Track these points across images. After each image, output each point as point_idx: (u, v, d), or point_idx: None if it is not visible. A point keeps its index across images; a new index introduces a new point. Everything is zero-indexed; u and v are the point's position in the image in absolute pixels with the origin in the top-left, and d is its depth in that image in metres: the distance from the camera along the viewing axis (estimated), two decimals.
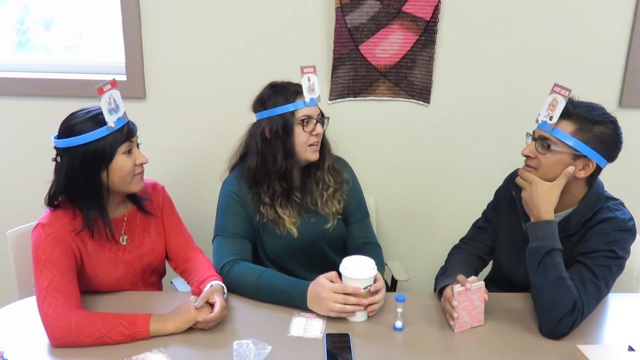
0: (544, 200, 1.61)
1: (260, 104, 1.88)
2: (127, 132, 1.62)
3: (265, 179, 1.87)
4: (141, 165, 1.67)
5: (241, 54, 2.32)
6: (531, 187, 1.64)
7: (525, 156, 1.69)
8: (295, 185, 1.93)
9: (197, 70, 2.34)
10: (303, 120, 1.83)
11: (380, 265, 1.93)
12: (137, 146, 1.68)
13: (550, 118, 1.62)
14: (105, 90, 1.56)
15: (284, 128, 1.82)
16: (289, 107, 1.82)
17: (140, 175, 1.68)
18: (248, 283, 1.72)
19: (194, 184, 2.46)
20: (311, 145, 1.86)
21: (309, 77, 1.83)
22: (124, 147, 1.61)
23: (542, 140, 1.64)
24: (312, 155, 1.87)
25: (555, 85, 1.63)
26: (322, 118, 1.89)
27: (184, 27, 2.28)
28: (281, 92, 1.85)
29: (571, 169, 1.60)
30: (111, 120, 1.57)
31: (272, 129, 1.83)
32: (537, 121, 1.67)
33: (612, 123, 1.62)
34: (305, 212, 1.93)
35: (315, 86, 1.86)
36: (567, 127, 1.60)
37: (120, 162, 1.61)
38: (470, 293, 1.58)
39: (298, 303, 1.66)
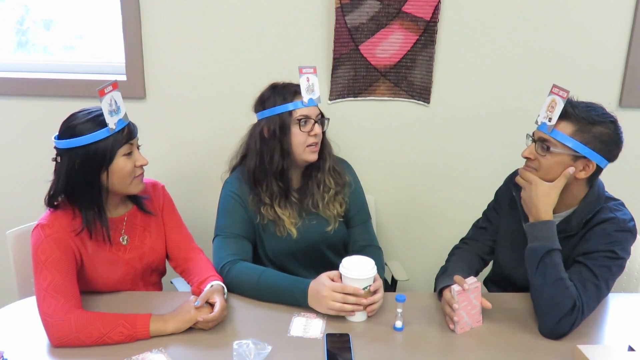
0: (543, 201, 1.61)
1: (260, 103, 1.89)
2: (127, 134, 1.62)
3: (264, 178, 1.87)
4: (141, 167, 1.67)
5: (241, 54, 2.32)
6: (531, 187, 1.64)
7: (525, 158, 1.69)
8: (295, 187, 1.93)
9: (197, 70, 2.34)
10: (300, 120, 1.83)
11: (381, 268, 1.93)
12: (138, 148, 1.68)
13: (549, 119, 1.61)
14: (106, 92, 1.56)
15: (281, 127, 1.83)
16: (287, 107, 1.82)
17: (140, 177, 1.68)
18: (248, 282, 1.72)
19: (194, 183, 2.46)
20: (309, 145, 1.86)
21: (307, 78, 1.83)
22: (124, 149, 1.61)
23: (541, 141, 1.64)
24: (310, 156, 1.87)
25: (554, 86, 1.63)
26: (321, 119, 1.89)
27: (184, 27, 2.28)
28: (280, 92, 1.85)
29: (571, 170, 1.60)
30: (112, 122, 1.57)
31: (270, 129, 1.84)
32: (536, 122, 1.66)
33: (611, 123, 1.61)
34: (306, 214, 1.93)
35: (315, 87, 1.85)
36: (566, 128, 1.60)
37: (121, 164, 1.61)
38: (468, 292, 1.58)
39: (299, 301, 1.66)
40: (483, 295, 1.62)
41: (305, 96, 1.83)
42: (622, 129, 1.63)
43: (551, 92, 1.63)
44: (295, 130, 1.84)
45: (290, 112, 1.83)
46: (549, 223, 1.61)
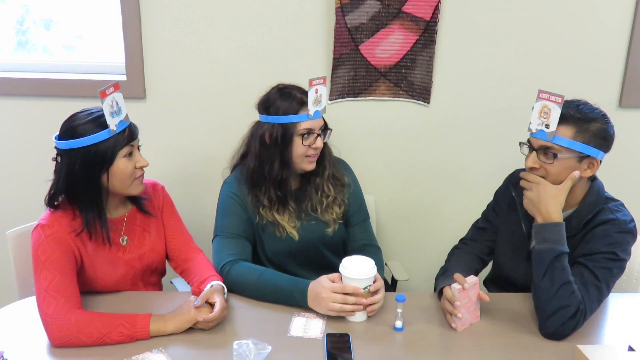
0: (553, 202, 1.60)
1: (265, 107, 1.86)
2: (128, 135, 1.62)
3: (262, 182, 1.86)
4: (141, 168, 1.67)
5: (241, 54, 2.32)
6: (538, 187, 1.62)
7: (530, 168, 1.66)
8: (293, 189, 1.93)
9: (197, 70, 2.33)
10: (303, 135, 1.81)
11: (380, 268, 1.93)
12: (138, 149, 1.68)
13: (547, 126, 1.60)
14: (108, 94, 1.55)
15: (283, 138, 1.81)
16: (292, 119, 1.80)
17: (140, 179, 1.68)
18: (248, 282, 1.72)
19: (194, 184, 2.46)
20: (308, 156, 1.85)
21: (317, 89, 1.79)
22: (125, 150, 1.61)
23: (544, 149, 1.62)
24: (308, 166, 1.86)
25: (541, 91, 1.60)
26: (324, 130, 1.87)
27: (184, 27, 2.28)
28: (286, 99, 1.82)
29: (576, 173, 1.59)
30: (113, 123, 1.57)
31: (272, 136, 1.82)
32: (529, 130, 1.64)
33: (602, 117, 1.62)
34: (305, 215, 1.93)
35: (323, 97, 1.82)
36: (566, 131, 1.59)
37: (121, 165, 1.61)
38: (468, 290, 1.58)
39: (299, 301, 1.66)
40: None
41: (312, 109, 1.79)
42: (610, 119, 1.63)
43: (539, 98, 1.61)
44: (297, 141, 1.82)
45: (294, 124, 1.80)
46: (560, 225, 1.60)
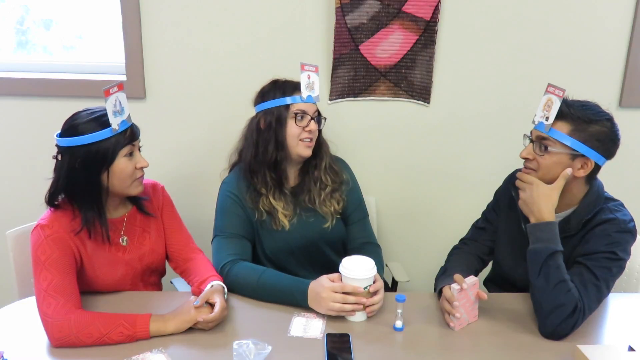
0: (545, 201, 1.61)
1: (260, 96, 1.91)
2: (130, 135, 1.62)
3: (259, 169, 1.88)
4: (141, 169, 1.67)
5: (241, 54, 2.32)
6: (532, 187, 1.64)
7: (524, 158, 1.68)
8: (292, 185, 1.94)
9: (197, 70, 2.34)
10: (297, 114, 1.84)
11: (380, 266, 1.93)
12: (139, 149, 1.68)
13: (547, 119, 1.61)
14: (111, 93, 1.56)
15: (277, 119, 1.84)
16: (285, 100, 1.84)
17: (140, 180, 1.68)
18: (249, 282, 1.72)
19: (194, 184, 2.46)
20: (303, 140, 1.86)
21: (309, 75, 1.85)
22: (125, 150, 1.61)
23: (539, 141, 1.64)
24: (304, 150, 1.87)
25: (549, 85, 1.62)
26: (318, 117, 1.90)
27: (184, 27, 2.28)
28: (280, 87, 1.88)
29: (569, 170, 1.60)
30: (115, 123, 1.57)
31: (267, 120, 1.86)
32: (533, 122, 1.66)
33: (607, 121, 1.62)
34: (304, 211, 1.93)
35: (315, 85, 1.87)
36: (563, 127, 1.60)
37: (121, 165, 1.61)
38: (467, 290, 1.58)
39: (299, 301, 1.66)
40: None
41: (304, 92, 1.84)
42: (618, 126, 1.63)
43: (547, 92, 1.63)
44: (290, 123, 1.85)
45: (287, 106, 1.84)
46: (552, 224, 1.60)
